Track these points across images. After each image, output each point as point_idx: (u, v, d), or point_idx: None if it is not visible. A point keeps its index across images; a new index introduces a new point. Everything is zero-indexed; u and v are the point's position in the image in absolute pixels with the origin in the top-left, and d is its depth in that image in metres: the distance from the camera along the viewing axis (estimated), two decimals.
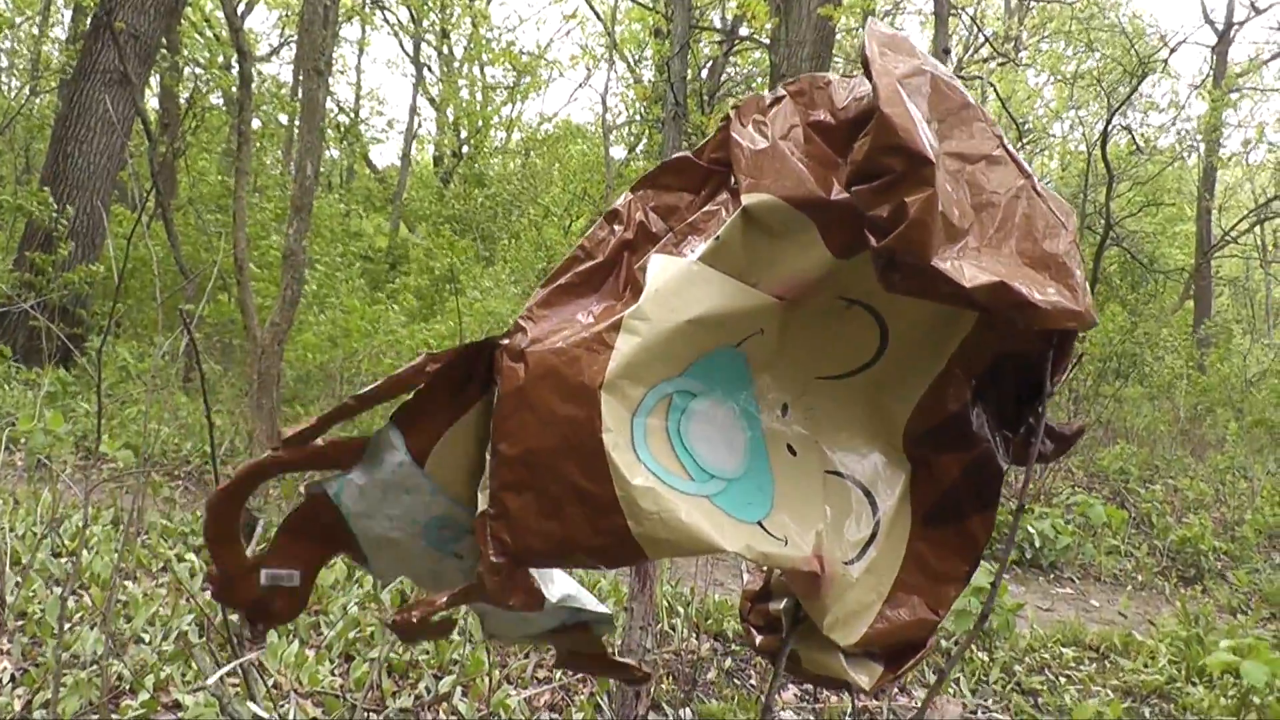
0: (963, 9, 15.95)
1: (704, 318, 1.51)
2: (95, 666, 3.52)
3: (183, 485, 7.22)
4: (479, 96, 24.99)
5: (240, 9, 15.94)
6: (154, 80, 15.09)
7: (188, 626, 4.10)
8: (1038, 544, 7.27)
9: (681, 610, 4.96)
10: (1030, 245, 1.50)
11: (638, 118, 19.91)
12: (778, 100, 1.61)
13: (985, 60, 19.71)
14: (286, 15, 20.90)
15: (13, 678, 3.55)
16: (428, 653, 4.05)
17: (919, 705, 4.22)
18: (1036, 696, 4.62)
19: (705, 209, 1.60)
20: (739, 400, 1.65)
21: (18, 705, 3.34)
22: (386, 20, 23.25)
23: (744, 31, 12.74)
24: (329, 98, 17.31)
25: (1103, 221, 15.44)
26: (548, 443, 1.44)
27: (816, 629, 1.71)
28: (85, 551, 4.77)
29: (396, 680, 3.90)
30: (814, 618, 1.70)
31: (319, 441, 1.56)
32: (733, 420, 1.63)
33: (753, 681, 4.40)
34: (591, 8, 19.67)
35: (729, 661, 4.55)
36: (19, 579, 4.17)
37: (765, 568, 2.03)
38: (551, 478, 1.44)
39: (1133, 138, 19.21)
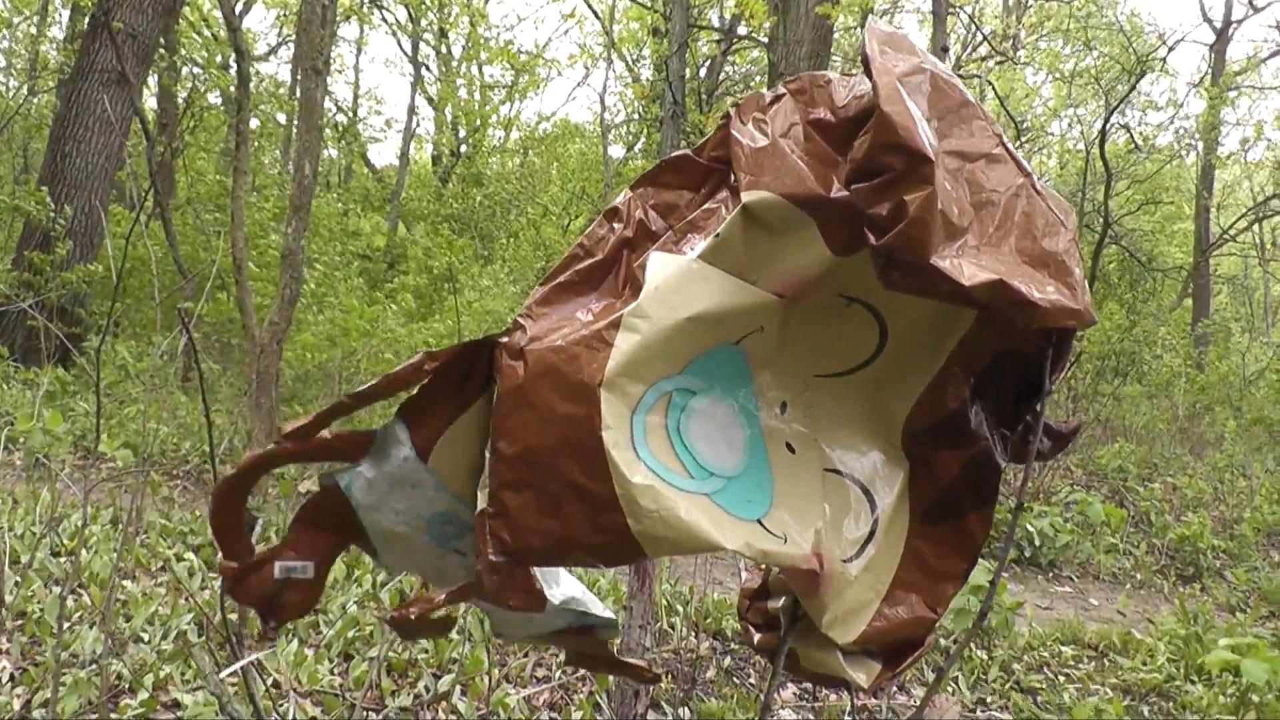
0: (961, 7, 15.96)
1: (704, 315, 1.51)
2: (94, 666, 3.52)
3: (182, 484, 7.22)
4: (477, 96, 24.98)
5: (238, 8, 15.92)
6: (152, 80, 15.07)
7: (187, 626, 4.10)
8: (1037, 542, 7.28)
9: (680, 609, 4.96)
10: (1029, 243, 1.50)
11: (636, 116, 19.90)
12: (778, 98, 1.62)
13: (984, 59, 19.71)
14: (284, 15, 20.88)
15: (12, 677, 3.55)
16: (427, 652, 4.05)
17: (918, 704, 4.22)
18: (1036, 695, 4.62)
19: (705, 207, 1.60)
20: (738, 398, 1.65)
21: (17, 704, 3.34)
22: (385, 19, 23.23)
23: (742, 30, 12.73)
24: (327, 97, 17.30)
25: (1101, 220, 15.43)
26: (547, 441, 1.44)
27: (815, 627, 1.71)
28: (84, 551, 4.77)
29: (396, 679, 3.91)
30: (812, 616, 1.71)
31: (325, 433, 1.57)
32: (732, 418, 1.63)
33: (752, 680, 4.40)
34: (590, 7, 19.69)
35: (728, 660, 4.55)
36: (18, 578, 4.17)
37: (764, 566, 2.03)
38: (551, 476, 1.44)
39: (1131, 136, 19.21)
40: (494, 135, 26.30)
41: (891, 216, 1.38)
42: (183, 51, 14.36)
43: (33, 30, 19.13)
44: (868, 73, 1.45)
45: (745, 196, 1.52)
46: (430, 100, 25.22)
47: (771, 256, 1.56)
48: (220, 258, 6.58)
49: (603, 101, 19.64)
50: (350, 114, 24.26)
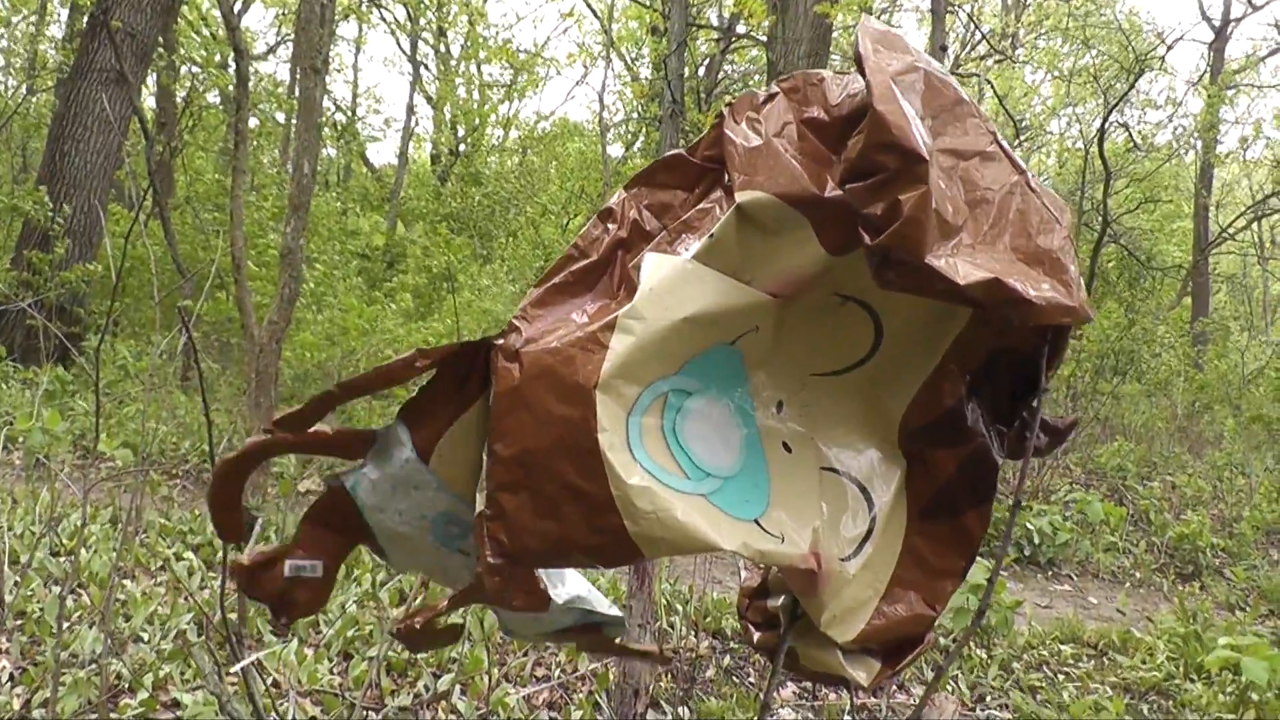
0: (960, 6, 15.94)
1: (699, 316, 1.51)
2: (94, 665, 3.52)
3: (181, 484, 7.22)
4: (476, 94, 24.97)
5: (237, 7, 15.90)
6: (151, 79, 15.06)
7: (186, 625, 4.10)
8: (1036, 541, 7.28)
9: (680, 608, 4.96)
10: (1024, 241, 1.50)
11: (635, 115, 19.89)
12: (771, 97, 1.61)
13: (982, 57, 19.71)
14: (283, 14, 20.86)
15: (11, 676, 3.56)
16: (425, 652, 4.05)
17: (917, 702, 4.23)
18: (1035, 693, 4.63)
19: (699, 207, 1.60)
20: (734, 398, 1.65)
21: (17, 704, 3.34)
22: (383, 19, 23.22)
23: (741, 29, 12.72)
24: (326, 96, 17.29)
25: (1100, 218, 15.43)
26: (543, 443, 1.44)
27: (814, 625, 1.71)
28: (84, 550, 4.77)
29: (395, 678, 3.91)
30: (811, 615, 1.70)
31: (325, 428, 1.57)
32: (728, 418, 1.63)
33: (751, 679, 4.41)
34: (589, 6, 19.67)
35: (727, 659, 4.55)
36: (18, 578, 4.17)
37: (762, 565, 2.03)
38: (547, 477, 1.44)
39: (1130, 135, 19.20)
40: (493, 134, 26.30)
41: (886, 216, 1.38)
42: (181, 50, 14.34)
43: (31, 29, 19.12)
44: (861, 71, 1.45)
45: (739, 196, 1.52)
46: (429, 99, 25.21)
47: (766, 256, 1.55)
48: (219, 257, 6.57)
49: (601, 100, 19.69)
50: (349, 113, 24.26)
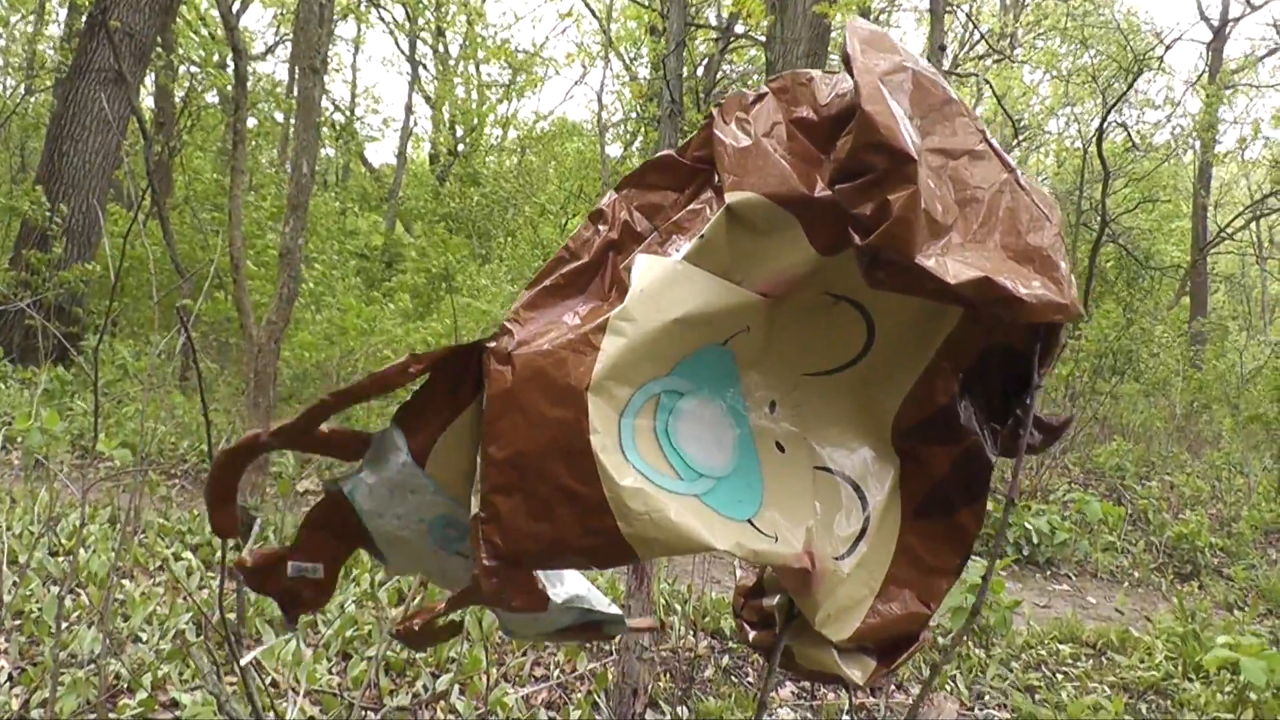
0: (958, 6, 15.95)
1: (690, 317, 1.51)
2: (93, 665, 3.52)
3: (180, 484, 7.22)
4: (474, 94, 24.96)
5: (235, 7, 15.89)
6: (149, 79, 15.06)
7: (185, 625, 4.10)
8: (1035, 540, 7.28)
9: (679, 608, 4.97)
10: (1014, 239, 1.50)
11: (634, 115, 19.90)
12: (760, 98, 1.62)
13: (981, 57, 19.72)
14: (281, 13, 20.85)
15: (10, 676, 3.56)
16: (425, 651, 4.05)
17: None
18: (1034, 693, 4.63)
19: (690, 208, 1.60)
20: (726, 398, 1.65)
21: (15, 704, 3.34)
22: (382, 18, 23.19)
23: (740, 29, 12.72)
24: (324, 96, 17.30)
25: (1098, 218, 15.43)
26: (536, 445, 1.44)
27: (809, 624, 1.72)
28: (82, 550, 4.77)
29: (394, 678, 3.91)
30: (806, 614, 1.71)
31: (323, 428, 1.58)
32: (721, 418, 1.63)
33: (750, 679, 4.41)
34: (587, 6, 19.66)
35: (726, 659, 4.56)
36: (16, 578, 4.17)
37: (757, 564, 2.04)
38: (540, 480, 1.45)
39: (1128, 134, 19.21)
40: (491, 134, 26.29)
41: (875, 216, 1.39)
42: (180, 50, 14.34)
43: (30, 29, 19.11)
44: (849, 72, 1.46)
45: (729, 197, 1.52)
46: (427, 99, 25.20)
47: (756, 257, 1.56)
48: (218, 256, 6.57)
49: (600, 100, 19.66)
50: (348, 113, 24.24)
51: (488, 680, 3.79)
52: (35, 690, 3.39)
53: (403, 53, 24.94)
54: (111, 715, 3.29)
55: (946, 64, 13.78)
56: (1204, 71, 20.04)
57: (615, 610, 1.82)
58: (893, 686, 4.44)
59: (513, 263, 18.27)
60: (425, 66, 25.05)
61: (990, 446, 1.76)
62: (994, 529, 6.11)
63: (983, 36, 18.27)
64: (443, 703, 3.73)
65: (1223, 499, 9.51)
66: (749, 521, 1.59)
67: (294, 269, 7.13)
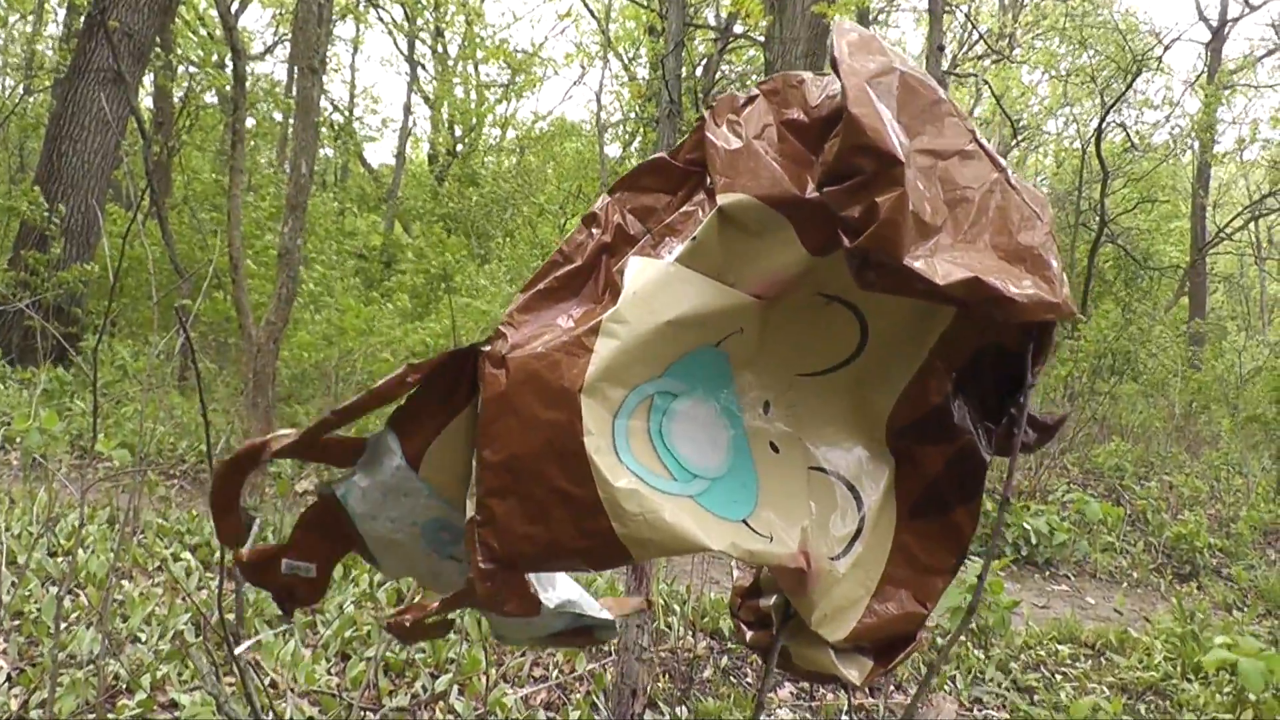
0: (957, 6, 15.95)
1: (683, 318, 1.52)
2: (92, 666, 3.52)
3: (179, 484, 7.22)
4: (473, 94, 24.96)
5: (234, 7, 15.89)
6: (148, 79, 15.05)
7: (184, 626, 4.10)
8: (1033, 541, 7.29)
9: (678, 608, 4.97)
10: (1005, 239, 1.51)
11: (632, 115, 19.90)
12: (751, 100, 1.63)
13: (980, 57, 19.72)
14: (280, 14, 20.84)
15: (9, 677, 3.55)
16: (424, 651, 4.05)
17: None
18: (1032, 694, 4.63)
19: (682, 210, 1.61)
20: (720, 399, 1.65)
21: (14, 705, 3.34)
22: (381, 18, 23.19)
23: (738, 29, 12.72)
24: (323, 96, 17.29)
25: (1097, 218, 15.46)
26: (530, 447, 1.44)
27: (806, 625, 1.72)
28: (81, 551, 4.77)
29: (393, 679, 3.91)
30: (802, 614, 1.71)
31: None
32: (714, 419, 1.64)
33: (749, 679, 4.41)
34: (586, 6, 19.66)
35: (725, 659, 4.56)
36: (15, 578, 4.17)
37: (752, 564, 2.04)
38: (535, 482, 1.45)
39: (1127, 134, 19.23)
40: (490, 134, 26.29)
41: (864, 218, 1.39)
42: (179, 50, 14.33)
43: (29, 29, 19.11)
44: (836, 74, 1.46)
45: (721, 199, 1.53)
46: (426, 99, 25.18)
47: (749, 258, 1.56)
48: (217, 257, 6.59)
49: (599, 100, 19.66)
50: (346, 113, 24.24)
51: (487, 681, 3.79)
52: (34, 691, 3.39)
53: (401, 53, 25.00)
54: (110, 716, 3.29)
55: (945, 64, 13.78)
56: (1202, 72, 20.05)
57: (606, 615, 1.82)
58: (892, 687, 4.44)
59: (511, 263, 18.27)
60: (424, 66, 25.06)
61: (984, 445, 1.76)
62: (990, 529, 6.11)
63: (981, 37, 18.27)
64: (441, 703, 3.73)
65: (1221, 499, 9.52)
66: (744, 522, 1.59)
67: (293, 269, 7.13)
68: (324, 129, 18.36)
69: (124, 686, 3.53)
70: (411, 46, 24.05)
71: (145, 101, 16.45)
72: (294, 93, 11.26)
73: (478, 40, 22.94)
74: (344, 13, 18.82)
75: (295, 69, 12.76)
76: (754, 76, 16.63)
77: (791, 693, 4.31)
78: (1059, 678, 4.88)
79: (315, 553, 1.70)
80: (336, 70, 25.59)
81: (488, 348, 1.51)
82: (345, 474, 1.63)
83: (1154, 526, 8.30)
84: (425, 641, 4.08)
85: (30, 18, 18.61)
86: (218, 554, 4.23)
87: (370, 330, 10.85)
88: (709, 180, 1.58)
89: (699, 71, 15.47)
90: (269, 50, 22.69)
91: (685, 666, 4.32)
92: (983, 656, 4.91)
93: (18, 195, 11.03)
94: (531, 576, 1.58)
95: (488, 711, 3.67)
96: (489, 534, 1.47)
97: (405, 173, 24.30)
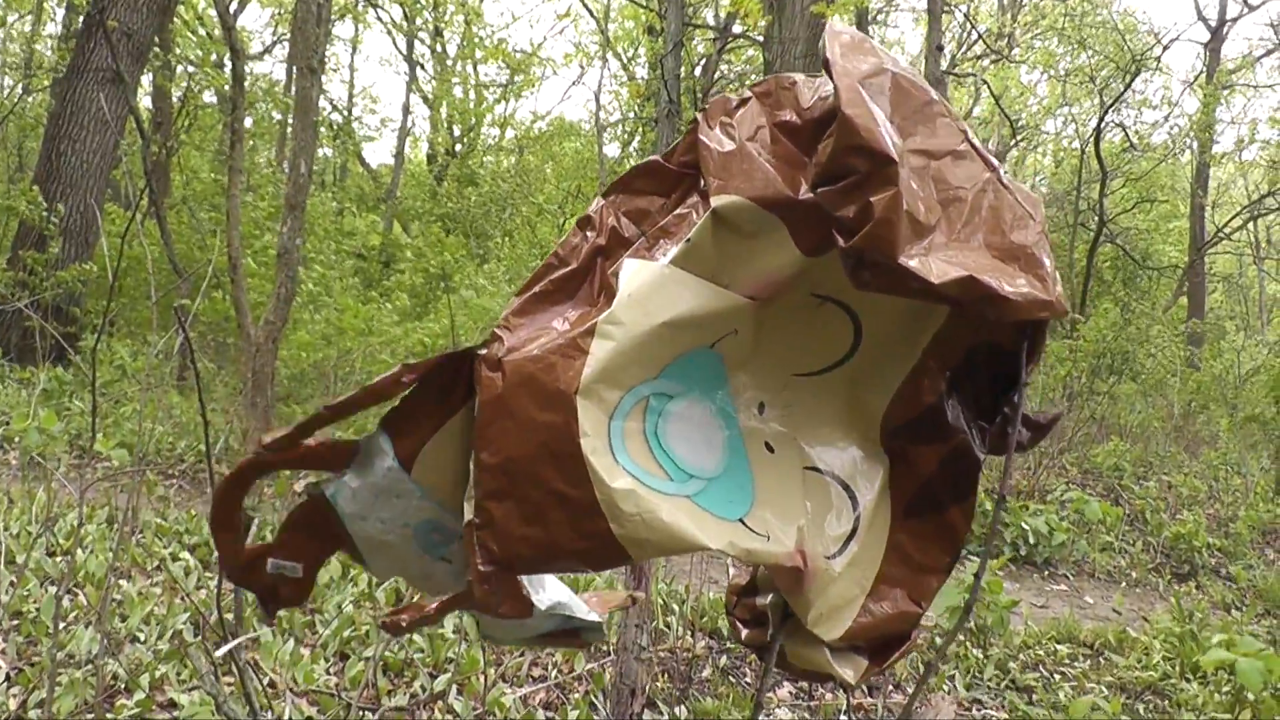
0: (956, 6, 15.96)
1: (678, 320, 1.52)
2: (90, 665, 3.52)
3: (177, 484, 7.22)
4: (472, 94, 24.95)
5: (233, 7, 15.90)
6: (147, 79, 15.05)
7: (183, 625, 4.10)
8: (1032, 541, 7.29)
9: (677, 608, 4.97)
10: (998, 238, 1.51)
11: (631, 115, 19.91)
12: (744, 102, 1.63)
13: (979, 57, 19.73)
14: (279, 13, 20.84)
15: (8, 677, 3.55)
16: (423, 651, 4.06)
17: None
18: (1031, 693, 4.63)
19: (676, 212, 1.62)
20: (715, 400, 1.66)
21: (13, 704, 3.34)
22: (380, 18, 23.20)
23: (737, 29, 12.72)
24: (322, 96, 17.29)
25: (1096, 218, 15.47)
26: (527, 449, 1.45)
27: (802, 624, 1.72)
28: (80, 550, 4.77)
29: (391, 679, 3.91)
30: (798, 613, 1.72)
31: (311, 441, 1.58)
32: (710, 420, 1.65)
33: (747, 679, 4.41)
34: (585, 6, 19.65)
35: (724, 659, 4.56)
36: (14, 578, 4.17)
37: (749, 563, 2.05)
38: (532, 484, 1.46)
39: (1126, 134, 19.24)
40: (489, 134, 26.29)
41: (858, 218, 1.40)
42: (178, 50, 14.33)
43: (28, 29, 19.11)
44: (829, 75, 1.46)
45: (714, 201, 1.54)
46: (425, 99, 25.18)
47: (743, 259, 1.57)
48: (216, 256, 6.59)
49: (598, 100, 19.62)
50: (345, 113, 24.25)
51: (485, 680, 3.79)
52: (33, 690, 3.39)
53: (400, 53, 24.94)
54: (109, 715, 3.29)
55: (944, 64, 13.79)
56: (1201, 72, 20.07)
57: (594, 617, 1.82)
58: (890, 686, 4.44)
59: (510, 263, 18.26)
60: (423, 66, 25.06)
61: (978, 444, 1.77)
62: (987, 528, 6.11)
63: (980, 36, 18.28)
64: (440, 703, 3.73)
65: (1220, 499, 9.52)
66: (741, 521, 1.60)
67: (291, 269, 7.13)
68: (323, 129, 18.37)
69: (123, 686, 3.53)
70: (410, 46, 24.07)
71: (144, 101, 16.46)
72: (293, 92, 11.25)
73: (476, 40, 22.95)
74: (343, 13, 18.84)
75: (294, 69, 12.77)
76: (753, 76, 16.63)
77: (790, 692, 4.31)
78: (1057, 677, 4.88)
79: (302, 553, 1.70)
80: (335, 70, 25.61)
81: (484, 351, 1.52)
82: (334, 474, 1.63)
83: (1153, 526, 8.31)
84: (421, 638, 4.09)
85: (29, 17, 18.60)
86: (216, 554, 4.23)
87: (369, 330, 10.85)
88: (702, 182, 1.59)
89: (698, 71, 15.49)
90: (268, 50, 22.69)
91: (684, 666, 4.32)
92: (981, 656, 4.91)
93: (16, 195, 11.03)
94: (523, 579, 1.58)
95: (486, 711, 3.67)
96: (488, 536, 1.47)
97: (404, 172, 24.31)
